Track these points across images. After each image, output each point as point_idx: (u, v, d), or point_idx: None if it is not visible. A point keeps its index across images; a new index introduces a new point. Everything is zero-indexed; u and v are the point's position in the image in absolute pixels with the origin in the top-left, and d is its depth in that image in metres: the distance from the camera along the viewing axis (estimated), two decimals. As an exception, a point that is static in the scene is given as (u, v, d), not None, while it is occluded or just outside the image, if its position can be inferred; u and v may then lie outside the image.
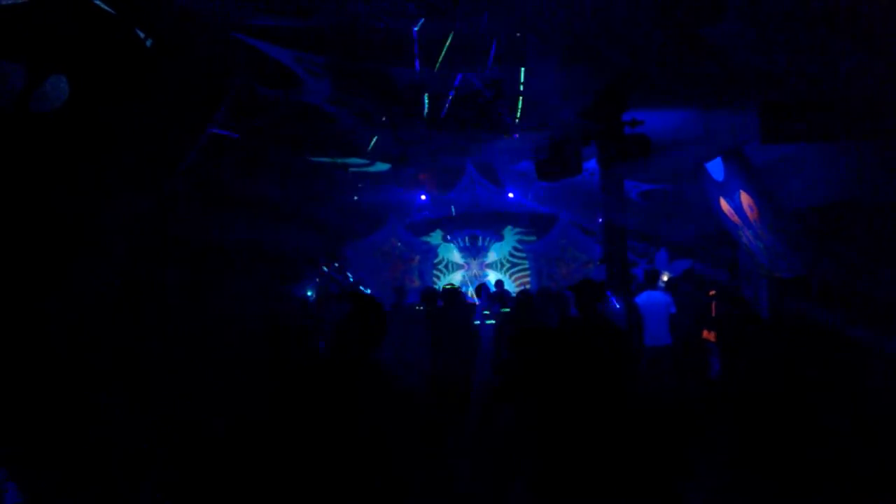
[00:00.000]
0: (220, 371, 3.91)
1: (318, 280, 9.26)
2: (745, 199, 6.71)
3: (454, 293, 6.49)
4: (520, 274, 12.91)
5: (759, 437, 4.06)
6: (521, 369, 3.65)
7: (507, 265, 13.02)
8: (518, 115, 6.03)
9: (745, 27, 4.02)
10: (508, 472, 2.98)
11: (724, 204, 7.15)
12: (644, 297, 6.59)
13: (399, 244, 12.34)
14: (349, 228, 11.08)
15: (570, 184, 8.39)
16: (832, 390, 3.95)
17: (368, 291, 10.02)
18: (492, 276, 12.45)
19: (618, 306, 5.94)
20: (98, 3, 3.69)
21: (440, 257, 12.90)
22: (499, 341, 5.57)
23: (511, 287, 11.61)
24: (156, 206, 4.40)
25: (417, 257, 12.60)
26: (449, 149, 7.79)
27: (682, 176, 7.84)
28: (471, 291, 12.10)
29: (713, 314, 6.55)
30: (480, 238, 13.02)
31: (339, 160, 8.04)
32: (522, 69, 5.17)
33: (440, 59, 4.84)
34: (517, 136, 6.84)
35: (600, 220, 6.92)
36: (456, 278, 12.72)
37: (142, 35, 3.88)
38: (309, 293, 8.82)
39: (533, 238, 12.83)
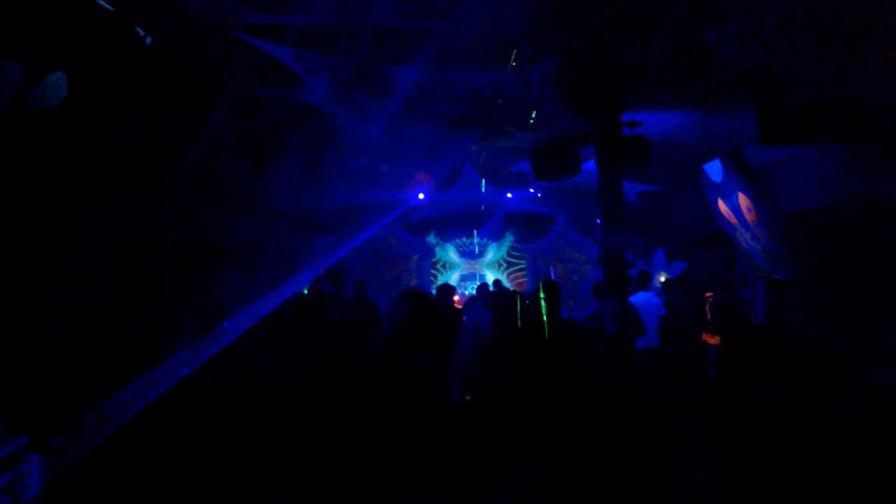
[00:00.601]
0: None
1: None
2: (743, 200, 6.72)
3: (444, 291, 6.59)
4: (517, 274, 12.92)
5: (749, 437, 4.08)
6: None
7: (505, 265, 13.03)
8: (531, 118, 6.05)
9: (743, 30, 4.03)
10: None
11: (722, 205, 7.16)
12: (636, 299, 6.62)
13: (396, 243, 12.34)
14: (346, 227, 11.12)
15: (569, 184, 8.41)
16: (827, 392, 3.96)
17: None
18: (489, 277, 12.48)
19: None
20: (98, 0, 3.68)
21: (437, 257, 12.91)
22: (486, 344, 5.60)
23: (509, 288, 11.63)
24: (154, 205, 4.38)
25: (415, 257, 12.61)
26: (447, 149, 7.79)
27: (681, 177, 7.85)
28: (468, 291, 12.17)
29: (707, 317, 6.59)
30: (478, 238, 13.04)
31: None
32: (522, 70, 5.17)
33: (442, 60, 4.83)
34: (518, 135, 6.85)
35: (598, 220, 6.92)
36: (453, 278, 12.73)
37: (141, 33, 3.87)
38: (305, 291, 8.81)
39: (530, 238, 12.85)
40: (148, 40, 3.93)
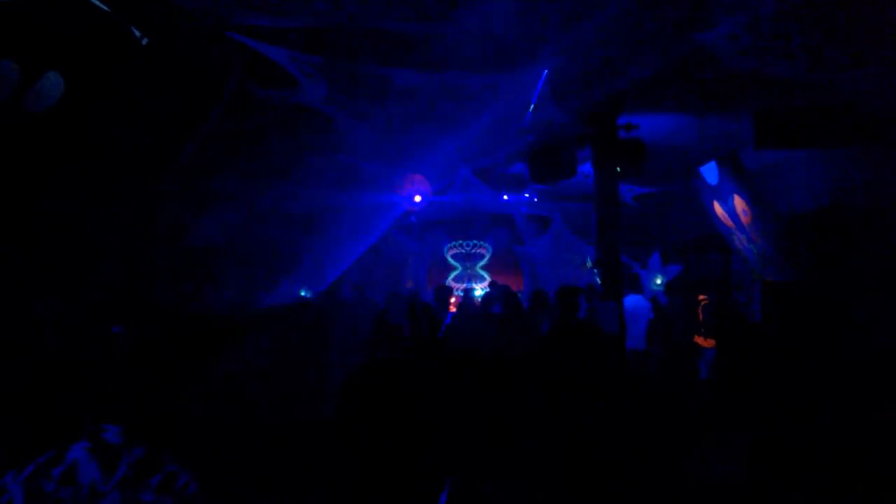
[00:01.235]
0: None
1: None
2: (738, 203, 6.74)
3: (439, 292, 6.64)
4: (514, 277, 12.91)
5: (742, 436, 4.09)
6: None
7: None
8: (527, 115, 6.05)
9: (739, 33, 4.04)
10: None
11: (717, 208, 7.18)
12: (626, 301, 6.63)
13: (393, 245, 12.33)
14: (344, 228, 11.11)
15: (565, 186, 8.42)
16: (823, 393, 3.97)
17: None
18: (488, 278, 12.51)
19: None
20: (94, 0, 3.67)
21: (434, 260, 12.89)
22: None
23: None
24: (150, 206, 4.38)
25: (410, 259, 12.59)
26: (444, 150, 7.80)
27: (677, 180, 7.88)
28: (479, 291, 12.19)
29: (700, 319, 6.59)
30: (474, 240, 13.04)
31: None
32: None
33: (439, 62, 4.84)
34: (514, 138, 6.86)
35: (594, 222, 6.94)
36: (448, 280, 12.73)
37: (137, 34, 3.86)
38: (303, 293, 8.81)
39: (527, 241, 12.85)
40: (144, 41, 3.92)
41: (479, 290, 12.01)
